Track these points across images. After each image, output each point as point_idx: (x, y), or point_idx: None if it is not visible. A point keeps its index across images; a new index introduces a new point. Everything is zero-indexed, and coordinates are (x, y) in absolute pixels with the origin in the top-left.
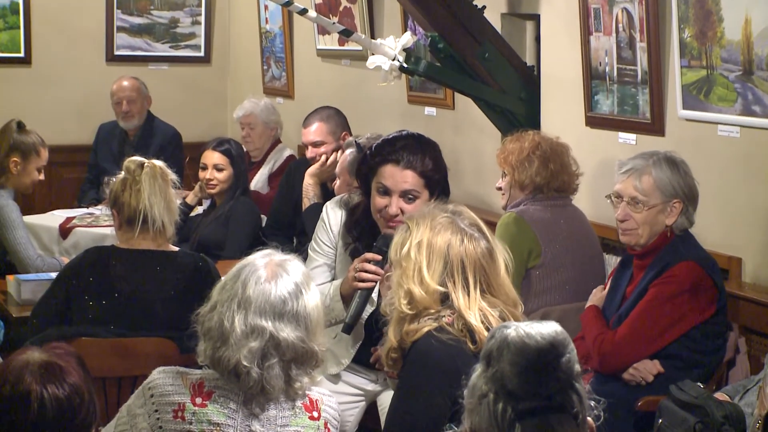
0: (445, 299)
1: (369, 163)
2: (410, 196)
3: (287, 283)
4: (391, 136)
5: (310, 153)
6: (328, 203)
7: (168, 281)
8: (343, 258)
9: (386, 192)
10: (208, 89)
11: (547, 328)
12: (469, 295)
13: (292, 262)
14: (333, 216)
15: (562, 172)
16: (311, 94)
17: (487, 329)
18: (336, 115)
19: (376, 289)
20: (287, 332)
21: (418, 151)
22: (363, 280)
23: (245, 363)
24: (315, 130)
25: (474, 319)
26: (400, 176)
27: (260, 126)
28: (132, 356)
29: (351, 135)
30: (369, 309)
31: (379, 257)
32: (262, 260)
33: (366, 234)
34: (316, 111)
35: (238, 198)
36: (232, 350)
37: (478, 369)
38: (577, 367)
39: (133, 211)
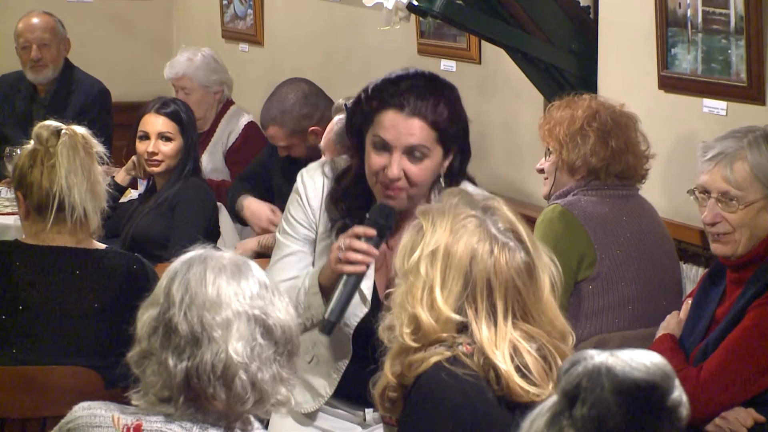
0: (463, 329)
1: (363, 110)
2: (417, 154)
3: (259, 276)
4: (394, 75)
5: (281, 153)
6: (303, 170)
7: (91, 290)
8: (327, 240)
9: (385, 147)
10: (148, 31)
11: (650, 356)
12: (496, 325)
13: (248, 260)
14: (311, 185)
15: (627, 152)
16: (286, 39)
17: (520, 371)
18: (296, 105)
19: (370, 283)
20: (275, 312)
21: (430, 94)
22: (351, 263)
23: (236, 357)
24: (272, 137)
25: (501, 360)
26: (404, 126)
27: (198, 91)
28: (41, 390)
29: (320, 127)
30: (359, 312)
31: (373, 232)
32: (210, 254)
33: (358, 207)
34: (268, 102)
35: (188, 179)
36: (215, 345)
37: (548, 413)
38: (684, 411)
39: (44, 195)
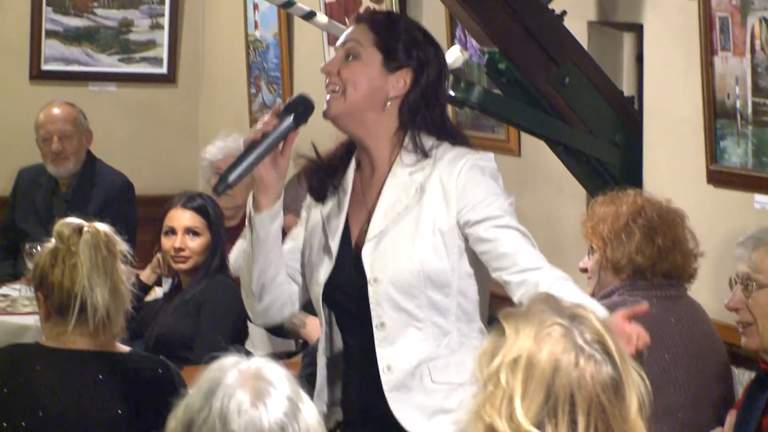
0: None
1: None
2: (350, 54)
3: (278, 401)
4: None
5: None
6: None
7: (114, 396)
8: (312, 209)
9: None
10: (173, 120)
11: None
12: None
13: (271, 367)
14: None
15: (674, 250)
16: (318, 128)
17: None
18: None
19: (338, 237)
20: None
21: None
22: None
23: None
24: (288, 226)
25: None
26: (349, 30)
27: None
28: None
29: None
30: (327, 267)
31: (280, 108)
32: (234, 376)
33: (335, 167)
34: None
35: (214, 276)
36: None
37: None
38: None
39: (66, 296)
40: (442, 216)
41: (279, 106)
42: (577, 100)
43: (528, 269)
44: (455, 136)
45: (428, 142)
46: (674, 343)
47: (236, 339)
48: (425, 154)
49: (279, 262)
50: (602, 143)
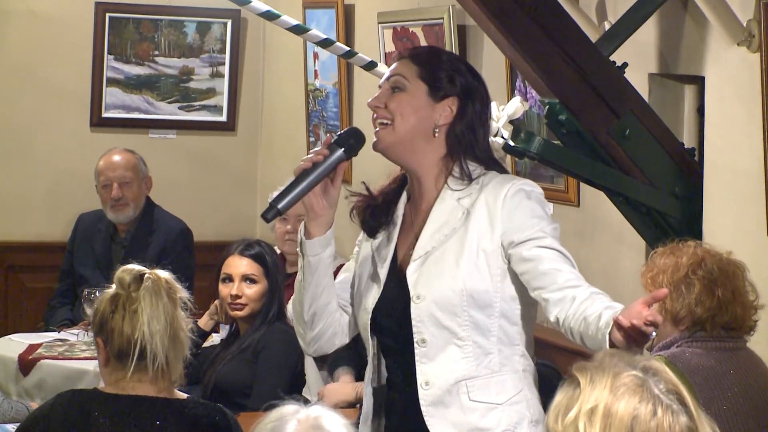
0: None
1: None
2: (396, 87)
3: None
4: None
5: None
6: None
7: None
8: (364, 243)
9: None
10: (232, 167)
11: None
12: None
13: (329, 416)
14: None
15: (734, 302)
16: (377, 177)
17: None
18: None
19: (386, 264)
20: None
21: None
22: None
23: None
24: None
25: None
26: (394, 66)
27: None
28: None
29: None
30: (374, 293)
31: (330, 140)
32: (293, 427)
33: (386, 202)
34: None
35: (272, 324)
36: None
37: None
38: None
39: (126, 342)
40: (487, 237)
41: (330, 137)
42: (638, 152)
43: (566, 287)
44: (499, 166)
45: (475, 169)
46: (733, 395)
47: (293, 386)
48: (471, 180)
49: (330, 290)
50: (662, 195)
